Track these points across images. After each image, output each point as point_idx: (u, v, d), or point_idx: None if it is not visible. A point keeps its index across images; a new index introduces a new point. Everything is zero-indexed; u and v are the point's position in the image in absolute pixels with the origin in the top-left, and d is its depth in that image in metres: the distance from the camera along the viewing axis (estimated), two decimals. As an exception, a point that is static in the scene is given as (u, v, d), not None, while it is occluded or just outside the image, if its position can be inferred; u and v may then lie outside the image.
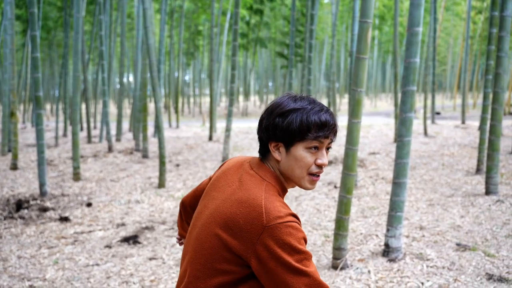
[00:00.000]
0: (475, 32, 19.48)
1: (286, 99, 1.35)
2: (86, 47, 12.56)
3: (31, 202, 5.52)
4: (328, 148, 1.36)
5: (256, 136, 1.47)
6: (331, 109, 15.42)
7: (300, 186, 1.37)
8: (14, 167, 7.78)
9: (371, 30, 3.23)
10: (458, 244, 3.84)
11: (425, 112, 11.73)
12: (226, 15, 15.80)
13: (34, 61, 5.84)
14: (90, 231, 4.59)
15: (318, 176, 1.36)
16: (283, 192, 1.37)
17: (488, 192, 5.31)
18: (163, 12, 10.42)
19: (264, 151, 1.39)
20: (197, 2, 16.29)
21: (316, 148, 1.32)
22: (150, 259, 3.83)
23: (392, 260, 3.54)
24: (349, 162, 3.42)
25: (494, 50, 6.11)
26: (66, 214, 5.12)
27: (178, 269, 3.60)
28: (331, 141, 1.35)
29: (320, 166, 1.34)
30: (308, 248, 3.95)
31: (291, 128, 1.30)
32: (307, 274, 1.20)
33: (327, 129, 1.31)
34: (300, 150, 1.31)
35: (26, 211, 5.21)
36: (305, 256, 1.21)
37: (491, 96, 5.69)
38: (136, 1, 11.28)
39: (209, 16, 14.53)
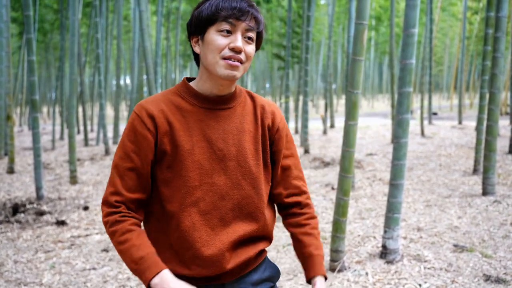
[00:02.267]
0: (471, 33, 19.53)
1: None
2: (82, 50, 12.53)
3: (28, 206, 5.50)
4: (249, 38, 1.31)
5: None
6: (328, 110, 15.44)
7: (217, 75, 1.30)
8: (10, 170, 7.75)
9: (367, 32, 3.22)
10: (455, 245, 3.84)
11: (422, 113, 11.75)
12: (223, 17, 15.78)
13: (30, 64, 5.82)
14: (87, 235, 4.57)
15: (236, 61, 1.29)
16: (188, 93, 1.37)
17: (485, 192, 5.31)
18: (160, 14, 10.40)
19: (195, 57, 1.38)
20: (194, 4, 16.27)
21: (229, 32, 1.28)
22: (147, 262, 3.81)
23: (389, 262, 3.54)
24: (345, 164, 3.42)
25: (490, 50, 6.12)
26: (63, 218, 5.10)
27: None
28: (250, 29, 1.30)
29: (234, 50, 1.28)
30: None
31: (202, 15, 1.29)
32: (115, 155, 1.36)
33: (238, 11, 1.27)
34: (212, 34, 1.29)
35: (22, 215, 5.19)
36: (120, 143, 1.35)
37: (487, 96, 5.69)
38: (133, 3, 11.28)
39: (206, 18, 14.50)
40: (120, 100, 15.19)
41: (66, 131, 13.80)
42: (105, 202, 1.33)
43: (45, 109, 31.17)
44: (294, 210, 1.50)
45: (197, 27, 1.31)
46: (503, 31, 4.95)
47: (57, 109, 18.82)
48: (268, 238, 1.47)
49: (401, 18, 20.70)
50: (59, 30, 12.92)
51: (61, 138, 13.32)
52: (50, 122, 22.51)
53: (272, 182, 1.46)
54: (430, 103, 13.87)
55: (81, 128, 16.46)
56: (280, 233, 4.30)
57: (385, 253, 3.61)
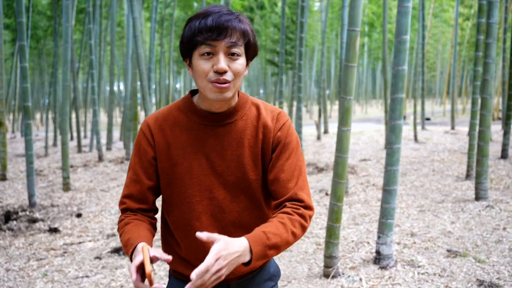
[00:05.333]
0: (463, 39, 19.69)
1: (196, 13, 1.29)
2: (76, 56, 12.51)
3: (20, 213, 5.46)
4: (233, 54, 1.24)
5: None
6: (322, 115, 15.48)
7: (208, 98, 1.28)
8: (2, 177, 7.70)
9: (360, 38, 3.24)
10: (449, 251, 3.85)
11: (415, 118, 11.80)
12: (217, 23, 15.83)
13: (23, 71, 5.80)
14: (79, 242, 4.54)
15: (222, 83, 1.24)
16: (189, 109, 1.36)
17: (478, 197, 5.34)
18: (153, 20, 10.41)
19: None
20: (187, 10, 16.30)
21: (210, 54, 1.23)
22: (141, 270, 3.79)
23: (383, 268, 3.54)
24: (339, 170, 3.42)
25: (482, 56, 6.17)
26: (56, 225, 5.07)
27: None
28: (233, 45, 1.23)
29: (218, 73, 1.23)
30: (300, 256, 3.94)
31: (183, 39, 1.26)
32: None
33: (215, 30, 1.20)
34: (196, 59, 1.25)
35: (14, 222, 5.15)
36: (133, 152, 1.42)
37: (479, 102, 5.73)
38: (126, 10, 11.28)
39: (200, 24, 14.54)
40: (114, 107, 15.16)
41: (59, 137, 13.73)
42: (119, 206, 1.45)
43: (38, 116, 31.03)
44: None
45: (184, 51, 1.29)
46: (494, 37, 5.00)
47: (50, 116, 18.74)
48: None
49: (393, 24, 20.86)
50: (52, 36, 12.89)
51: (54, 144, 13.25)
52: (43, 128, 22.40)
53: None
54: (423, 109, 13.94)
55: (74, 134, 16.39)
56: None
57: (378, 258, 3.62)
